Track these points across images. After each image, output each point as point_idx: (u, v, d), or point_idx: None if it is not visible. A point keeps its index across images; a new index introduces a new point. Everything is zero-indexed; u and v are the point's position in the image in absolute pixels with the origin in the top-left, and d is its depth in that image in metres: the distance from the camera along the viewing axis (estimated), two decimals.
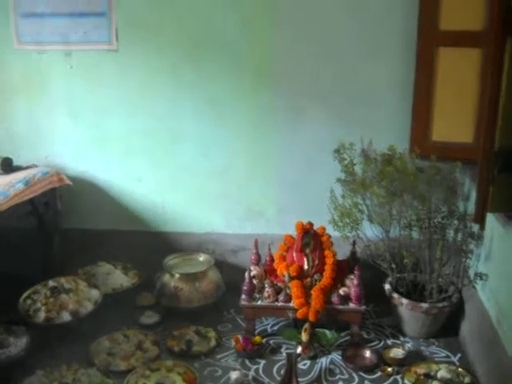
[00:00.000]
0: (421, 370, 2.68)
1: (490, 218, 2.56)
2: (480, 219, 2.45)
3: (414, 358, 2.82)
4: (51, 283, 3.09)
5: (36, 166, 3.30)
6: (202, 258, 3.43)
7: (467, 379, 2.61)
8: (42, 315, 2.91)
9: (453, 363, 2.79)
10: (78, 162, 3.51)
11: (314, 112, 3.27)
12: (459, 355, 2.87)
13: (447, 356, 2.87)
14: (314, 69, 3.21)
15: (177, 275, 3.23)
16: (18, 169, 3.24)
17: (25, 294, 3.02)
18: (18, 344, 2.80)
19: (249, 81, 3.27)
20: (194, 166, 3.44)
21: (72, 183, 3.36)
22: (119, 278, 3.39)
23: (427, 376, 2.64)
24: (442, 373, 2.63)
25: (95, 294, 3.07)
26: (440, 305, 2.93)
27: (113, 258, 3.51)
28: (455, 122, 2.92)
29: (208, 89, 3.31)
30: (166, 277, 3.26)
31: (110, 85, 3.36)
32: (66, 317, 2.91)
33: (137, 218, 3.57)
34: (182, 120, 3.38)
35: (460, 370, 2.68)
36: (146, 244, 3.53)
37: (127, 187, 3.53)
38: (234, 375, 2.66)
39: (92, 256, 3.50)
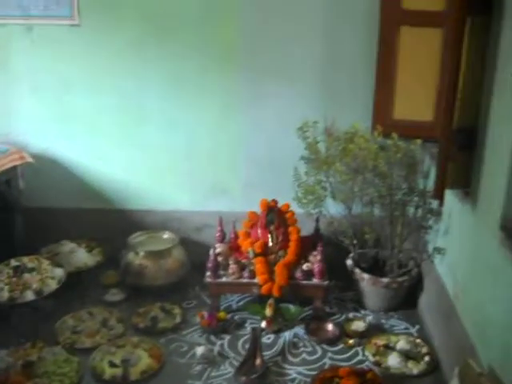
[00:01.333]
0: (381, 341, 2.77)
1: (449, 195, 2.63)
2: (439, 195, 2.51)
3: (374, 330, 2.90)
4: (14, 262, 3.05)
5: None
6: (166, 235, 3.44)
7: (424, 349, 2.71)
8: (5, 295, 2.86)
9: (411, 335, 2.88)
10: (40, 139, 3.45)
11: (279, 91, 3.29)
12: (417, 327, 2.96)
13: (406, 328, 2.97)
14: (279, 48, 3.23)
15: (141, 253, 3.23)
16: None
17: None
18: None
19: (214, 59, 3.27)
20: (158, 143, 3.43)
21: (34, 161, 3.30)
22: (83, 256, 3.36)
23: (387, 347, 2.73)
24: (401, 344, 2.72)
25: (59, 272, 3.04)
26: (400, 279, 3.02)
27: (76, 236, 3.48)
28: (416, 101, 2.97)
29: (173, 66, 3.29)
30: (131, 255, 3.26)
31: (73, 60, 3.30)
32: (29, 296, 2.88)
33: (101, 195, 3.54)
34: (146, 97, 3.36)
35: (418, 340, 2.78)
36: (110, 222, 3.52)
37: (90, 165, 3.50)
38: (199, 350, 2.69)
39: (55, 235, 3.46)
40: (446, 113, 2.37)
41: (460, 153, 2.41)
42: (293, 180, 3.16)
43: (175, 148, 3.44)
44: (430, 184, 2.93)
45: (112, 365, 2.60)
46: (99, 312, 3.02)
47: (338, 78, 3.25)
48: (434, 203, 2.93)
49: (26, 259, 3.08)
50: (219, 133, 3.40)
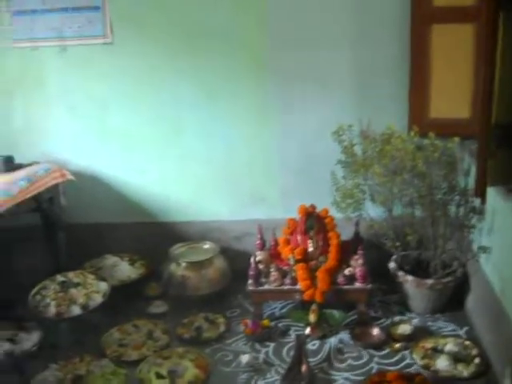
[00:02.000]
0: (428, 344, 2.71)
1: (491, 192, 2.58)
2: (480, 193, 2.47)
3: (421, 333, 2.85)
4: (60, 278, 3.11)
5: (37, 163, 3.31)
6: (207, 245, 3.46)
7: (474, 351, 2.63)
8: (52, 310, 2.93)
9: (460, 336, 2.82)
10: (79, 156, 3.52)
11: (313, 95, 3.29)
12: (466, 328, 2.90)
13: (454, 330, 2.90)
14: (311, 53, 3.22)
15: (183, 264, 3.26)
16: (20, 167, 3.23)
17: (34, 290, 3.05)
18: (30, 339, 2.84)
19: (247, 67, 3.29)
20: (195, 154, 3.46)
21: (75, 178, 3.36)
22: (126, 269, 3.42)
23: (435, 350, 2.67)
24: (450, 346, 2.66)
25: (104, 286, 3.10)
26: (445, 280, 2.96)
27: (119, 250, 3.54)
28: (452, 98, 2.93)
29: (206, 77, 3.33)
30: (173, 266, 3.29)
31: (108, 78, 3.37)
32: (76, 310, 2.94)
33: (141, 209, 3.59)
34: (182, 109, 3.39)
35: (467, 342, 2.71)
36: (152, 235, 3.56)
37: (130, 179, 3.55)
38: (244, 359, 2.70)
39: (97, 250, 3.53)
40: (483, 109, 2.33)
41: (499, 149, 2.36)
42: (330, 184, 3.14)
43: (212, 158, 3.46)
44: (471, 182, 2.87)
45: (159, 376, 2.62)
46: (144, 324, 3.06)
47: (371, 79, 3.22)
48: (477, 201, 2.87)
49: (71, 274, 3.14)
50: (254, 140, 3.41)
